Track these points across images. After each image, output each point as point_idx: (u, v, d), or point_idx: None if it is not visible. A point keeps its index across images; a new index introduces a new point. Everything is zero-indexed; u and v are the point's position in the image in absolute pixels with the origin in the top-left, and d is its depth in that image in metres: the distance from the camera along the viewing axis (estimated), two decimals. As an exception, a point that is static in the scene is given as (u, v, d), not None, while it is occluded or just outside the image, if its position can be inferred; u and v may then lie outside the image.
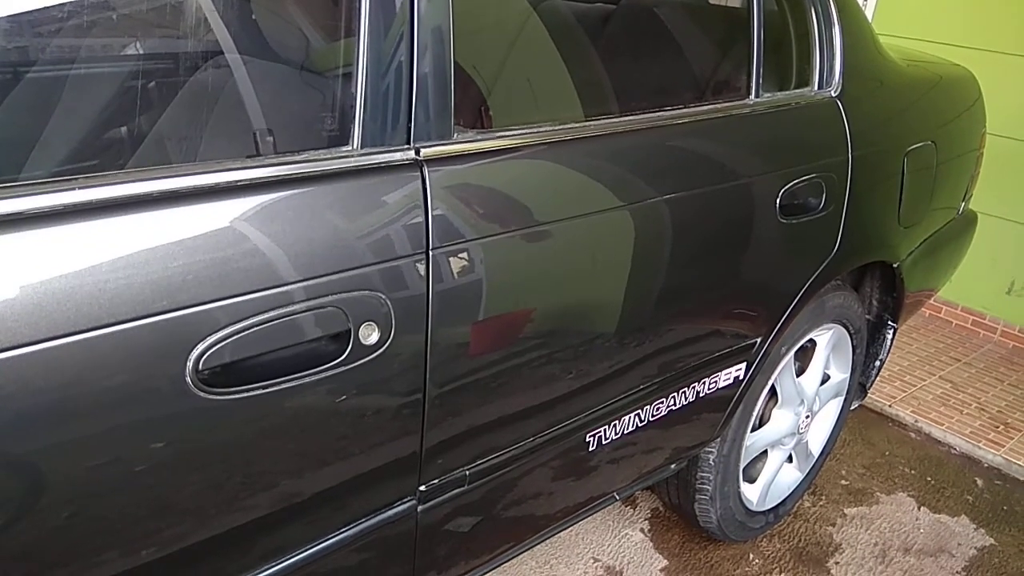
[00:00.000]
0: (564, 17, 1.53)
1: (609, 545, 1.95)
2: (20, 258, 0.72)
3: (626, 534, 1.99)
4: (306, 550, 1.02)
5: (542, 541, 1.48)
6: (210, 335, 0.81)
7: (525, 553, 1.57)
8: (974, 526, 2.14)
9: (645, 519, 2.05)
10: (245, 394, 0.85)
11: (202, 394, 0.82)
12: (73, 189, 0.75)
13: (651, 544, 1.97)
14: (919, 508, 2.20)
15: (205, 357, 0.81)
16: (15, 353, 0.71)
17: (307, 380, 0.90)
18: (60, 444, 0.76)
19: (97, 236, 0.76)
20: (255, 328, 0.84)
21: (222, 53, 1.10)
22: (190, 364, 0.80)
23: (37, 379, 0.73)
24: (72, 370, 0.74)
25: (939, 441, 2.51)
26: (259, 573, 0.98)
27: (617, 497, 1.56)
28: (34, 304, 0.71)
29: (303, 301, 0.88)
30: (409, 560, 1.16)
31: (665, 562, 1.92)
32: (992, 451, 2.43)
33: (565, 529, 1.54)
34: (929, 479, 2.33)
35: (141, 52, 1.23)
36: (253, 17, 1.21)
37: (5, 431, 0.73)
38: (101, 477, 0.80)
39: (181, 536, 0.89)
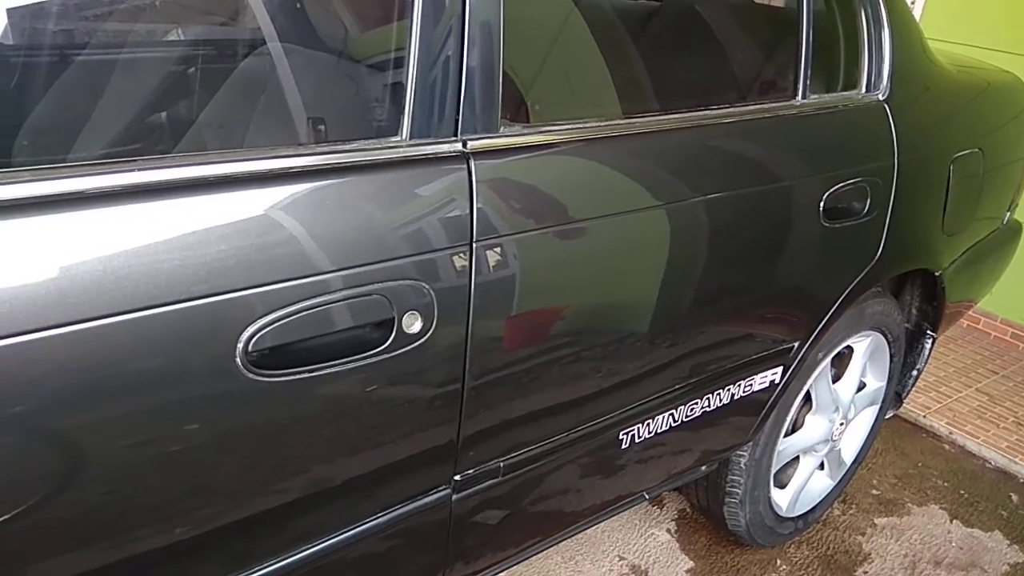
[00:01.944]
0: (609, 14, 1.52)
1: (635, 544, 1.95)
2: (81, 236, 0.74)
3: (652, 534, 1.99)
4: (342, 534, 1.03)
5: (569, 537, 1.49)
6: (260, 318, 0.83)
7: (551, 548, 1.57)
8: (1007, 542, 2.10)
9: (672, 520, 2.04)
10: (292, 377, 0.87)
11: (251, 375, 0.84)
12: (134, 171, 0.77)
13: (677, 545, 1.96)
14: (951, 521, 2.16)
15: (255, 339, 0.82)
16: (75, 328, 0.73)
17: (351, 366, 0.91)
18: (114, 418, 0.78)
19: (156, 217, 0.77)
20: (303, 312, 0.86)
21: (275, 42, 1.12)
22: (240, 345, 0.82)
23: (95, 354, 0.75)
24: (128, 347, 0.76)
25: (974, 454, 2.47)
26: (293, 555, 1.00)
27: (646, 496, 1.55)
28: (93, 282, 0.73)
29: (349, 288, 0.89)
30: (442, 549, 1.17)
31: (691, 564, 1.91)
32: (1029, 467, 2.38)
33: (593, 526, 1.54)
34: (962, 492, 2.29)
35: (192, 39, 1.25)
36: (298, 6, 1.22)
37: (65, 404, 0.75)
38: (147, 453, 0.82)
39: (223, 513, 0.90)
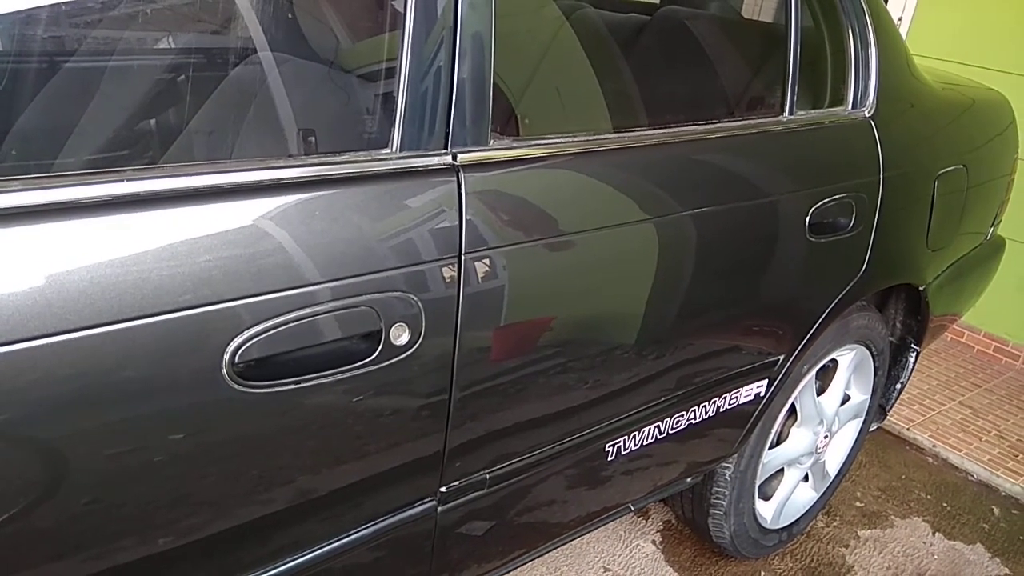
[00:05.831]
0: (599, 28, 1.53)
1: (620, 555, 1.95)
2: (68, 246, 0.73)
3: (637, 545, 1.99)
4: (328, 545, 1.03)
5: (554, 548, 1.49)
6: (247, 329, 0.82)
7: (536, 559, 1.57)
8: (989, 555, 2.12)
9: (657, 531, 2.04)
10: (278, 388, 0.87)
11: (236, 387, 0.83)
12: (122, 181, 0.76)
13: (662, 556, 1.97)
14: (934, 534, 2.18)
15: (242, 350, 0.82)
16: (61, 339, 0.72)
17: (338, 377, 0.91)
18: (99, 429, 0.78)
19: (143, 227, 0.77)
20: (291, 324, 0.85)
21: (266, 51, 1.12)
22: (226, 357, 0.82)
23: (82, 365, 0.74)
24: (115, 357, 0.76)
25: (957, 467, 2.49)
26: (279, 566, 0.99)
27: (632, 508, 1.56)
28: (80, 292, 0.73)
29: (337, 300, 0.89)
30: (427, 561, 1.16)
31: (676, 575, 1.91)
32: (1010, 480, 2.40)
33: (578, 537, 1.54)
34: (945, 505, 2.31)
35: (183, 47, 1.25)
36: (290, 17, 1.23)
37: (50, 414, 0.74)
38: (132, 463, 0.81)
39: (208, 524, 0.90)
